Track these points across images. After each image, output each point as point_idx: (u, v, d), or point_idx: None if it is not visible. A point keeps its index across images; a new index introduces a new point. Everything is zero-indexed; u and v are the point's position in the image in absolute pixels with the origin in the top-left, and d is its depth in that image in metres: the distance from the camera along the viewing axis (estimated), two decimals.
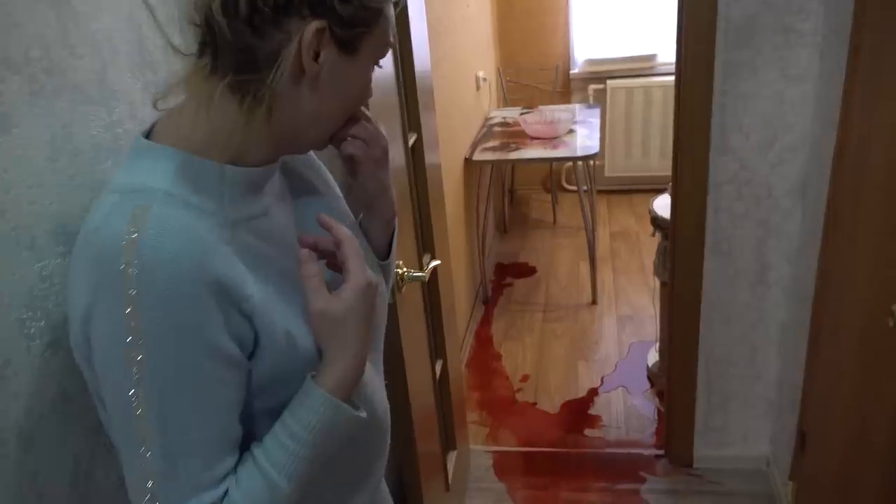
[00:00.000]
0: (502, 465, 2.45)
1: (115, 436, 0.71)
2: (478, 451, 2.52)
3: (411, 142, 1.71)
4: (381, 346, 0.97)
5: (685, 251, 2.09)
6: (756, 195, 1.95)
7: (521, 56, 4.60)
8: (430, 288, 1.86)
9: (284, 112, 0.72)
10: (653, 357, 2.88)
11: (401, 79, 1.64)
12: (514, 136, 3.58)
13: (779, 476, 2.17)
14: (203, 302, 0.64)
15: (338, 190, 0.98)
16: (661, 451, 2.43)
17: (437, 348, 1.96)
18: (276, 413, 0.72)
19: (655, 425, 2.58)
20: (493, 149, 3.41)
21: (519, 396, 2.83)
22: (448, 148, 2.99)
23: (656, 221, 2.52)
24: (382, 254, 0.98)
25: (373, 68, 0.78)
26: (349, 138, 0.84)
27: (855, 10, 1.50)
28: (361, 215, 0.97)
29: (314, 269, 0.73)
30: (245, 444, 0.71)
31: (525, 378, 2.94)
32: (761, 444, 2.27)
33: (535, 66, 4.53)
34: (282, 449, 0.69)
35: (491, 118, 3.99)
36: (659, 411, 2.64)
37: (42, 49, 0.74)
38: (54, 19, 0.75)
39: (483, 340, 3.25)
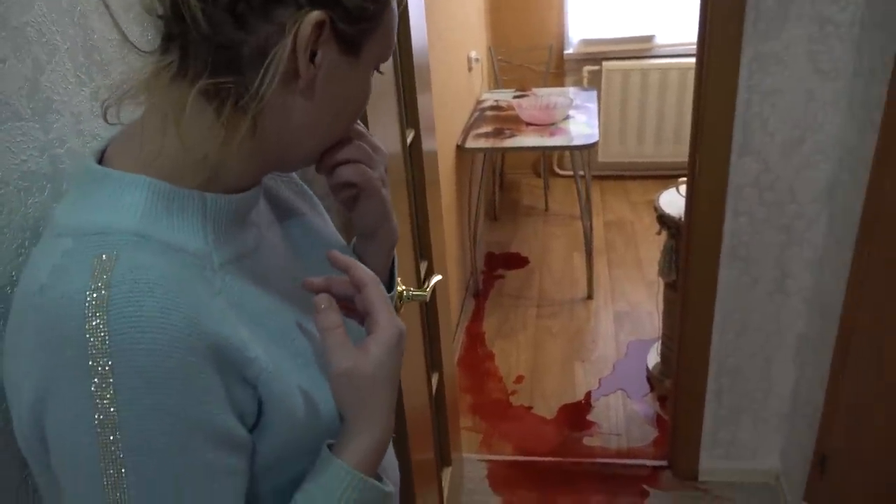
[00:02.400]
0: (497, 476, 2.32)
1: None
2: (472, 460, 2.38)
3: (409, 139, 1.53)
4: None
5: (700, 255, 1.94)
6: (779, 199, 1.80)
7: (513, 35, 4.39)
8: (429, 300, 1.70)
9: (272, 124, 0.56)
10: (653, 358, 2.75)
11: (399, 68, 1.46)
12: (507, 121, 3.40)
13: (790, 493, 2.05)
14: (200, 375, 0.49)
15: (321, 207, 0.81)
16: (664, 463, 2.31)
17: (433, 361, 1.81)
18: (282, 492, 0.58)
19: (656, 433, 2.46)
20: (487, 135, 3.23)
21: (514, 399, 2.69)
22: (440, 134, 2.81)
23: (663, 219, 2.37)
24: (385, 286, 0.83)
25: (373, 74, 0.62)
26: (343, 163, 0.67)
27: None
28: (354, 241, 0.81)
29: (336, 319, 0.58)
30: None
31: (520, 379, 2.80)
32: (771, 459, 2.16)
33: (528, 46, 4.33)
34: None
35: (483, 101, 3.79)
36: (660, 417, 2.52)
37: None
38: None
39: (475, 337, 3.10)
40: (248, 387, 0.53)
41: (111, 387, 0.46)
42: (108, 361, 0.46)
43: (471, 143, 3.14)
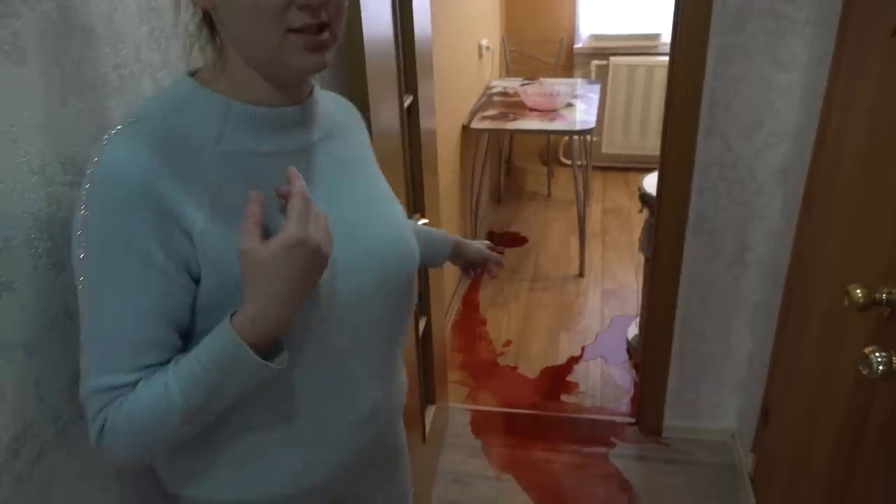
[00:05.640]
0: (479, 424, 2.55)
1: None
2: (457, 408, 2.61)
3: (407, 103, 1.75)
4: (380, 342, 0.95)
5: (668, 228, 2.15)
6: (740, 178, 2.00)
7: (526, 27, 4.61)
8: None
9: (224, 37, 0.80)
10: (633, 330, 2.96)
11: (399, 41, 1.68)
12: (512, 106, 3.62)
13: (742, 449, 2.26)
14: (137, 212, 0.72)
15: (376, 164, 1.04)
16: (632, 419, 2.52)
17: (421, 306, 2.03)
18: None
19: (630, 395, 2.67)
20: (492, 118, 3.44)
21: (500, 360, 2.91)
22: (447, 114, 3.03)
23: (644, 198, 2.58)
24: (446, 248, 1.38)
25: None
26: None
27: (844, 1, 1.54)
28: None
29: (255, 210, 0.75)
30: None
31: (508, 343, 3.02)
32: (728, 419, 2.36)
33: (540, 38, 4.54)
34: (188, 366, 0.74)
35: (492, 87, 4.01)
36: (635, 383, 2.73)
37: None
38: None
39: (469, 305, 3.32)
40: (186, 238, 0.74)
41: (86, 208, 0.72)
42: (89, 192, 0.72)
43: (475, 124, 3.36)
